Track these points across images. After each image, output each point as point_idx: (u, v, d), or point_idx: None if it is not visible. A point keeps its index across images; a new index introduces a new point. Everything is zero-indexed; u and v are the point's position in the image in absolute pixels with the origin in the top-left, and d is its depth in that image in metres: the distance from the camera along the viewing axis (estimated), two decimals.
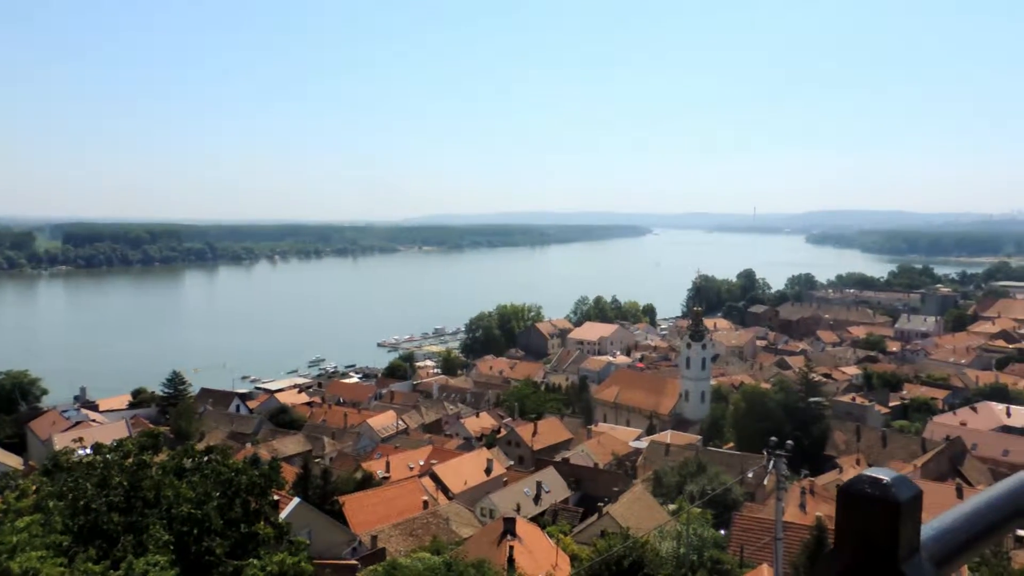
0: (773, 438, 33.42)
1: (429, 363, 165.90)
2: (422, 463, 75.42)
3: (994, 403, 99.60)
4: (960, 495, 63.86)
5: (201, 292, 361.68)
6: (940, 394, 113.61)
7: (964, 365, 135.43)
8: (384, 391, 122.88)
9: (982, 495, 1.67)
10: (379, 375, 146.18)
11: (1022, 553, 53.19)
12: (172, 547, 24.39)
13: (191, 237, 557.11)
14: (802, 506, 55.80)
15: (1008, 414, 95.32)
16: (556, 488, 69.72)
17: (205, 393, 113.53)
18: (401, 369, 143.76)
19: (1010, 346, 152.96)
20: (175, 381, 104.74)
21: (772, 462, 30.24)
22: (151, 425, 75.58)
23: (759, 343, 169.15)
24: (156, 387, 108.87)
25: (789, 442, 34.10)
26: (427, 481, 67.49)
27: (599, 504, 59.78)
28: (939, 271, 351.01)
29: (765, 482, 70.80)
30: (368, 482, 66.45)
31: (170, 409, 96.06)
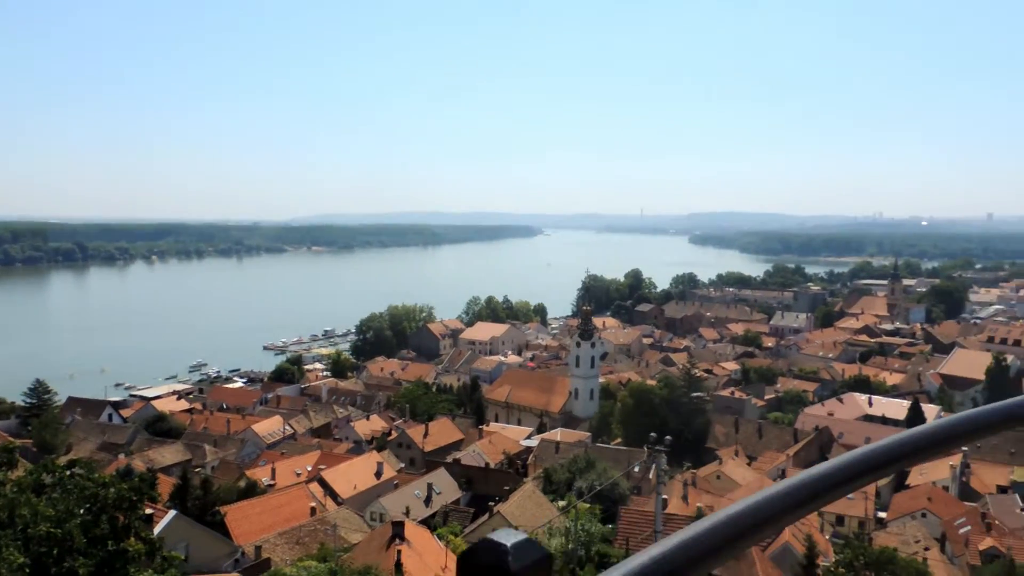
0: (653, 434, 34.51)
1: (318, 366, 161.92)
2: (310, 469, 73.46)
3: (858, 394, 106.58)
4: None
5: (69, 294, 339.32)
6: (811, 386, 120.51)
7: (832, 359, 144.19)
8: (270, 395, 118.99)
9: (647, 552, 1.54)
10: (265, 379, 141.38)
11: (882, 534, 57.08)
12: (28, 570, 22.71)
13: (59, 236, 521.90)
14: (684, 498, 57.86)
15: (870, 404, 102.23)
16: (447, 489, 69.48)
17: (73, 402, 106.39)
18: (289, 372, 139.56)
19: (872, 340, 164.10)
20: (38, 390, 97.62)
21: (653, 457, 31.12)
22: (10, 438, 70.18)
23: (645, 341, 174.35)
24: (16, 397, 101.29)
25: (668, 437, 35.33)
26: (315, 487, 65.76)
27: (490, 504, 59.97)
28: (810, 270, 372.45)
29: (651, 476, 73.08)
30: (252, 490, 64.10)
31: (32, 421, 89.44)
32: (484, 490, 69.28)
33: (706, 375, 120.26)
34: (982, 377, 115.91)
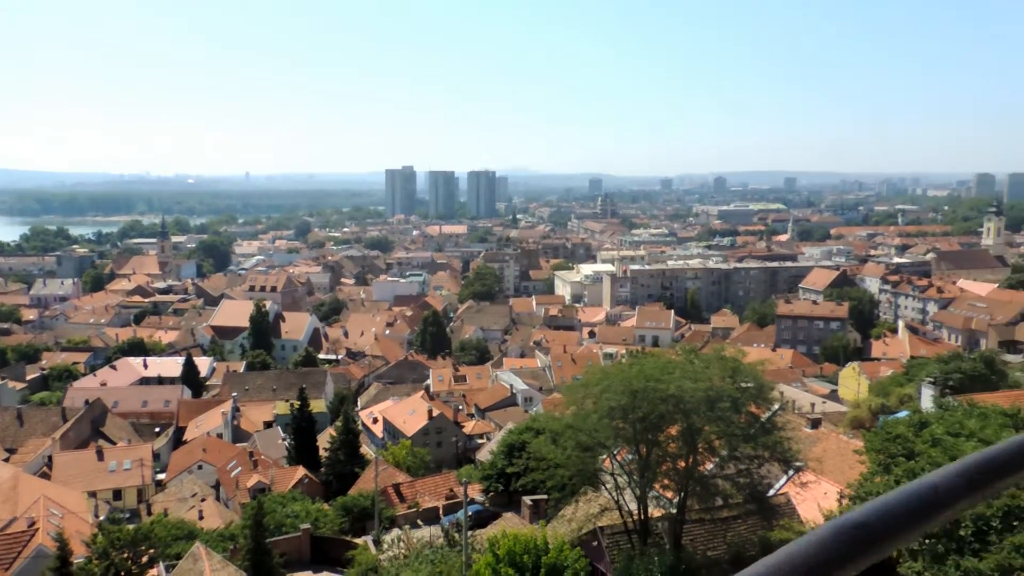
0: None
1: None
2: None
3: (132, 358, 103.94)
4: (101, 457, 63.99)
5: None
6: (82, 357, 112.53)
7: (104, 324, 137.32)
8: None
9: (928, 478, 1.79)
10: None
11: (162, 497, 56.43)
12: None
13: None
14: None
15: (145, 366, 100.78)
16: None
17: None
18: None
19: (146, 300, 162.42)
20: None
21: None
22: None
23: None
24: None
25: None
26: None
27: None
28: (75, 231, 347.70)
29: None
30: None
31: None
32: None
33: None
34: (248, 324, 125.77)
